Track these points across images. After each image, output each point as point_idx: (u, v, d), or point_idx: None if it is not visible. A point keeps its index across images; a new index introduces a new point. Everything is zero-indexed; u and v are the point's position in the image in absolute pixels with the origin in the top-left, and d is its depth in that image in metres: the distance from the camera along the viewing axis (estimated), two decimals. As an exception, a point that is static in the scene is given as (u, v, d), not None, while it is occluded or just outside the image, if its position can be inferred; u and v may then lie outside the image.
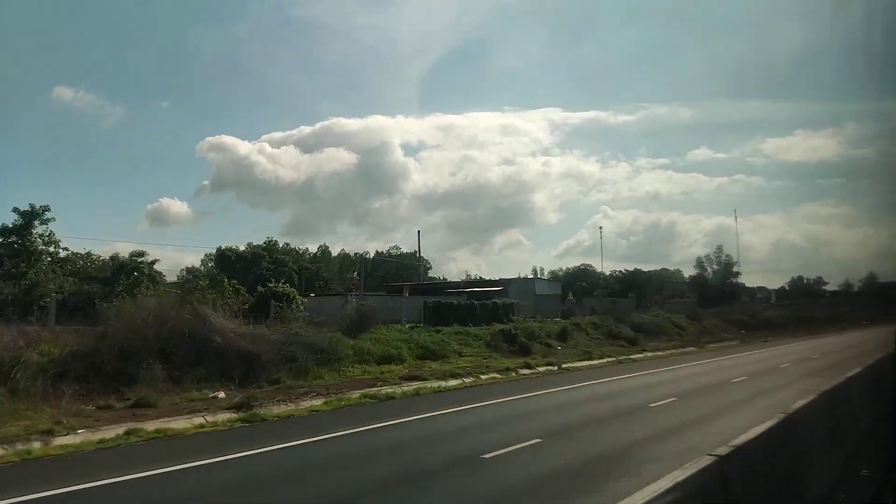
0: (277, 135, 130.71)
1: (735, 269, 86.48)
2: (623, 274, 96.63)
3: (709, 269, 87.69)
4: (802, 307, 78.76)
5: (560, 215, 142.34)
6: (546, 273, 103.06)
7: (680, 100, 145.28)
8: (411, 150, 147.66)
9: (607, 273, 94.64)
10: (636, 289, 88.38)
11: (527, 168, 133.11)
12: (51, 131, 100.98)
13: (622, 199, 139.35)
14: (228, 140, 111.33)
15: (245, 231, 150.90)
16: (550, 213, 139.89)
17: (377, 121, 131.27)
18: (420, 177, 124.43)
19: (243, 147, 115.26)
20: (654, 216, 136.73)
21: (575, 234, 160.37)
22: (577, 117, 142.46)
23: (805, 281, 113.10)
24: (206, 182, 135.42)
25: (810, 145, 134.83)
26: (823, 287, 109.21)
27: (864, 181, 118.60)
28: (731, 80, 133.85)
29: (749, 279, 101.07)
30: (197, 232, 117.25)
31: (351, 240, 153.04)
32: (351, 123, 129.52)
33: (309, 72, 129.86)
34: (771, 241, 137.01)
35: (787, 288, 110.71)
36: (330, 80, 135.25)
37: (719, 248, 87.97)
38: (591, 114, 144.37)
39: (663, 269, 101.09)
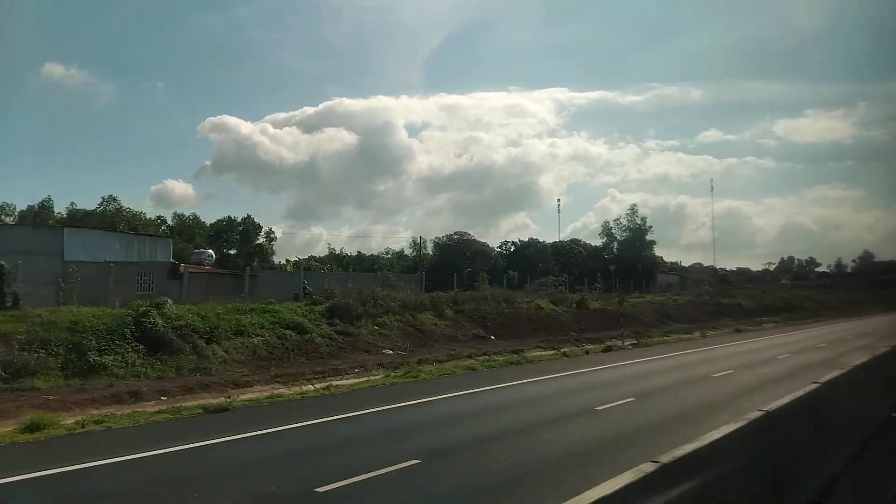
0: (280, 115, 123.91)
1: (649, 236, 66.06)
2: (520, 243, 74.91)
3: (616, 238, 66.55)
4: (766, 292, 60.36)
5: (567, 198, 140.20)
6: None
7: (689, 79, 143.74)
8: (415, 131, 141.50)
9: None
10: (524, 263, 67.26)
11: (533, 150, 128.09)
12: (42, 109, 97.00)
13: (630, 181, 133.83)
14: (230, 120, 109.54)
15: (252, 212, 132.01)
16: (557, 196, 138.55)
17: (381, 101, 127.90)
18: (425, 158, 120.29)
19: (245, 128, 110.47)
20: (662, 199, 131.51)
21: (582, 217, 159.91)
22: (583, 97, 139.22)
23: (796, 262, 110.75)
24: (207, 162, 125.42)
25: (822, 126, 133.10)
26: (815, 269, 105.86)
27: (875, 163, 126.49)
28: (741, 60, 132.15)
29: (749, 262, 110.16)
30: (203, 214, 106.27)
31: (355, 223, 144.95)
32: (354, 104, 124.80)
33: (312, 53, 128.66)
34: (780, 225, 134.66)
35: (771, 269, 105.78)
36: (334, 62, 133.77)
37: (632, 209, 67.13)
38: (598, 94, 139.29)
39: (572, 240, 79.62)
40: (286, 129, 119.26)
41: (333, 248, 77.71)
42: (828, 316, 53.97)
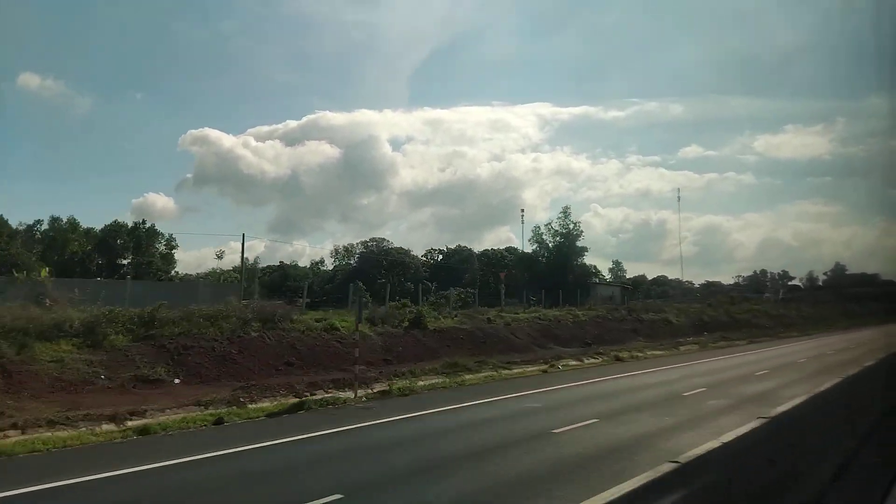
0: (263, 128, 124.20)
1: (579, 242, 58.26)
2: (448, 250, 67.41)
3: (548, 243, 58.70)
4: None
5: (550, 213, 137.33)
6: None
7: (670, 95, 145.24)
8: (399, 145, 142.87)
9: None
10: (449, 274, 60.03)
11: (516, 164, 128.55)
12: (18, 120, 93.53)
13: (612, 196, 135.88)
14: (212, 133, 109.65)
15: (231, 227, 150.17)
16: (541, 211, 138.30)
17: (365, 115, 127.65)
18: (408, 172, 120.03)
19: (227, 140, 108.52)
20: (644, 214, 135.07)
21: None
22: (567, 112, 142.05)
23: (769, 275, 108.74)
24: (188, 175, 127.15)
25: (801, 143, 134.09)
26: (787, 282, 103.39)
27: (854, 179, 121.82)
28: (721, 75, 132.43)
29: (728, 277, 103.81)
30: (183, 228, 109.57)
31: (338, 237, 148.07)
32: (338, 117, 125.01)
33: (297, 67, 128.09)
34: (759, 240, 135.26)
35: (741, 283, 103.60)
36: (318, 75, 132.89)
37: (564, 212, 59.43)
38: (581, 109, 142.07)
39: (507, 248, 71.87)
40: (269, 142, 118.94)
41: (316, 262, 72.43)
42: (775, 335, 46.13)
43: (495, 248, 69.33)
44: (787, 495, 5.83)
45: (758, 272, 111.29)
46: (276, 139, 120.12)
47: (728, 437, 5.08)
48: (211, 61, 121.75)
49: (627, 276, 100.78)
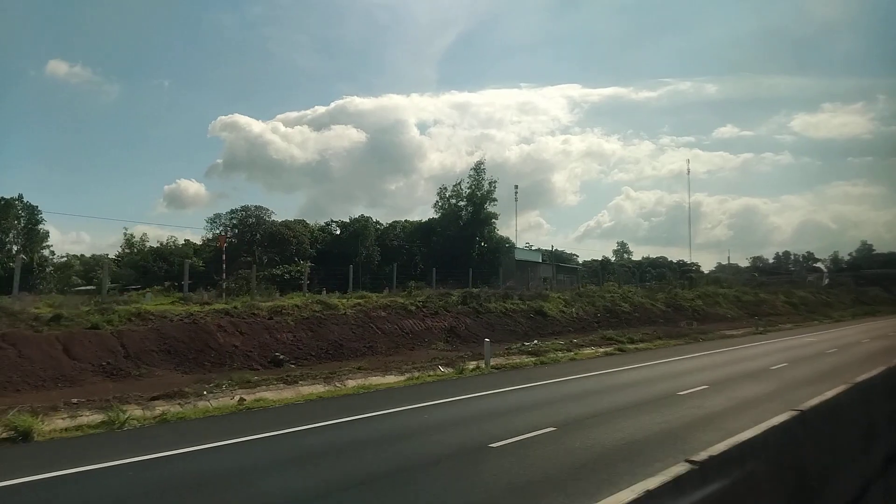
0: (292, 114, 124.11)
1: (490, 206, 44.17)
2: (344, 223, 53.58)
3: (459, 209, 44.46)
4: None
5: (580, 196, 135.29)
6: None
7: (703, 74, 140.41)
8: (427, 129, 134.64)
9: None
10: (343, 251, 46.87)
11: (546, 147, 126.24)
12: (46, 107, 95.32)
13: (645, 178, 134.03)
14: (241, 119, 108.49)
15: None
16: (570, 195, 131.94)
17: (392, 100, 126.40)
18: (436, 156, 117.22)
19: (257, 126, 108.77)
20: (677, 196, 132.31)
21: (595, 216, 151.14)
22: (596, 94, 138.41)
23: (792, 257, 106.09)
24: (218, 161, 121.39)
25: (840, 122, 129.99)
26: (815, 263, 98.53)
27: None
28: (755, 53, 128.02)
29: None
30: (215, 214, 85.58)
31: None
32: (365, 102, 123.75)
33: (324, 51, 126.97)
34: (797, 223, 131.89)
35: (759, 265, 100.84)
36: (345, 60, 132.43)
37: (476, 168, 45.06)
38: (611, 90, 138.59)
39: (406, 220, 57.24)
40: (297, 127, 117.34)
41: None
42: (749, 327, 32.51)
43: (413, 220, 55.24)
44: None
45: (781, 254, 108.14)
46: (305, 125, 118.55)
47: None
48: (240, 48, 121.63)
49: (634, 258, 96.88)
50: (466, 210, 42.88)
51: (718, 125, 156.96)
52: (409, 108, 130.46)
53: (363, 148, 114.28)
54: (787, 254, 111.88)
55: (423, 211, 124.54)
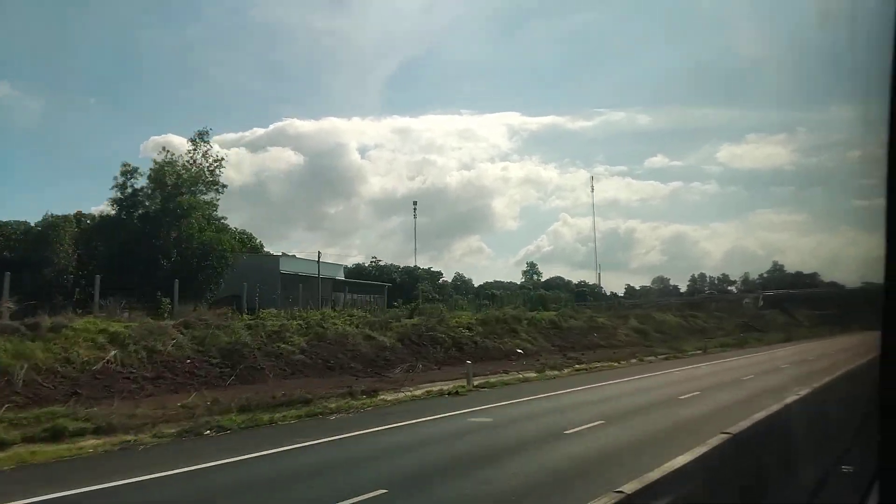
0: (229, 136, 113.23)
1: (207, 194, 31.03)
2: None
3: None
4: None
5: (520, 222, 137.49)
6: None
7: (636, 105, 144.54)
8: (368, 153, 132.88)
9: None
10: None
11: (486, 173, 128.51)
12: None
13: (581, 205, 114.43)
14: (176, 139, 63.46)
15: None
16: (510, 220, 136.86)
17: (332, 123, 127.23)
18: (377, 180, 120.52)
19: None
20: (612, 223, 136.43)
21: (535, 241, 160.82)
22: (535, 122, 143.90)
23: (708, 279, 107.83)
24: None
25: (763, 153, 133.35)
26: (727, 286, 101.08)
27: (816, 189, 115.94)
28: (685, 86, 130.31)
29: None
30: None
31: (305, 246, 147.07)
32: (305, 125, 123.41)
33: (265, 74, 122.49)
34: (726, 249, 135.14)
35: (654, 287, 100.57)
36: (287, 83, 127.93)
37: (195, 140, 31.53)
38: (549, 119, 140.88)
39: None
40: (234, 149, 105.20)
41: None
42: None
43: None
44: None
45: (696, 276, 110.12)
46: (243, 146, 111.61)
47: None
48: (176, 68, 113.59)
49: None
50: (154, 198, 29.43)
51: (650, 155, 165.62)
52: (351, 131, 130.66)
53: (301, 171, 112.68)
54: (702, 275, 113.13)
55: (364, 235, 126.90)
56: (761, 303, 73.13)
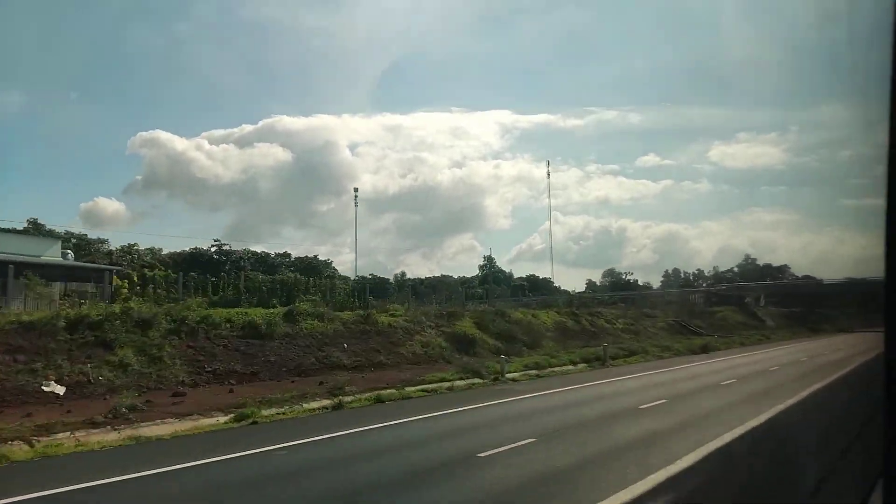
0: (218, 132, 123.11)
1: None
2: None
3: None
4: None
5: (512, 220, 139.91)
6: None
7: (628, 104, 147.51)
8: (359, 150, 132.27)
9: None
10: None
11: (478, 171, 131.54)
12: None
13: (573, 203, 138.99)
14: (163, 135, 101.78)
15: (186, 233, 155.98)
16: (502, 218, 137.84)
17: (322, 120, 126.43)
18: (369, 178, 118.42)
19: (180, 143, 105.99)
20: (604, 221, 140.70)
21: (527, 239, 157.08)
22: (526, 120, 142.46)
23: (683, 275, 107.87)
24: (137, 177, 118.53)
25: (755, 152, 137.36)
26: (703, 283, 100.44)
27: (807, 188, 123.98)
28: (677, 85, 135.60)
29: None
30: (134, 236, 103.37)
31: (296, 243, 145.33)
32: (295, 122, 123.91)
33: (256, 72, 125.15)
34: (717, 247, 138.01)
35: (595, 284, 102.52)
36: (277, 81, 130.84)
37: None
38: (541, 117, 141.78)
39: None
40: (223, 146, 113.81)
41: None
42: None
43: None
44: None
45: (669, 271, 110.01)
46: (232, 143, 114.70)
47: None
48: (165, 65, 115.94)
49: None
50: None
51: (641, 154, 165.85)
52: (341, 128, 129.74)
53: (290, 168, 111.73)
54: (676, 270, 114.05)
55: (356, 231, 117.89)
56: (762, 303, 72.24)
